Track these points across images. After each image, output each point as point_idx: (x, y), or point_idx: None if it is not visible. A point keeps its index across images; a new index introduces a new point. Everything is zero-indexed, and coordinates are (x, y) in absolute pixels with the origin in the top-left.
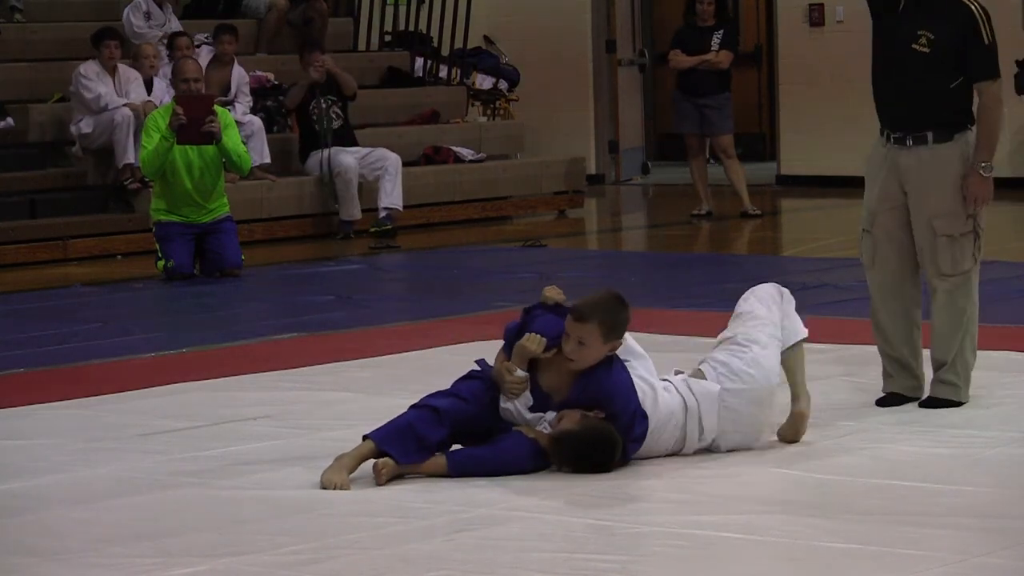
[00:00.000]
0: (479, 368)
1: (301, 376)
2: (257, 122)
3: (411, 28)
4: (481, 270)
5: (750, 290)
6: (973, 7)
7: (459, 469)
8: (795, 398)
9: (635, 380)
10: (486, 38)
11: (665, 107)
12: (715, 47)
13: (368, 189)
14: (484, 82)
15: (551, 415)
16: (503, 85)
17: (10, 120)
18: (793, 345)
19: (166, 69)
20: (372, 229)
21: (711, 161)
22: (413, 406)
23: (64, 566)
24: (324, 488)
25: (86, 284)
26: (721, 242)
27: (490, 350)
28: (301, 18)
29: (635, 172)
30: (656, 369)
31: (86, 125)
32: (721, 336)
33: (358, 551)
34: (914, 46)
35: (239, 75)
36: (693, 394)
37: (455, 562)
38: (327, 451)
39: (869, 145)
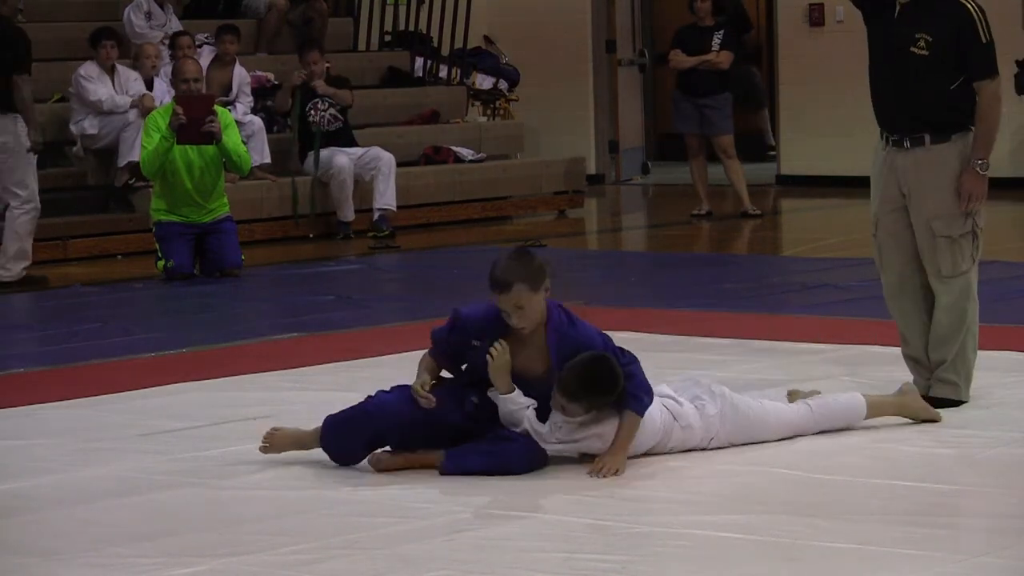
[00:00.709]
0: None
1: (301, 376)
2: (257, 122)
3: (411, 28)
4: (481, 270)
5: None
6: (970, 6)
7: (454, 466)
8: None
9: None
10: (486, 38)
11: (665, 107)
12: (715, 47)
13: (365, 189)
14: (484, 82)
15: (558, 417)
16: (503, 85)
17: None
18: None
19: (167, 69)
20: (370, 234)
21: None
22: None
23: (64, 566)
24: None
25: (86, 284)
26: (721, 242)
27: None
28: (301, 18)
29: (635, 172)
30: (655, 371)
31: (91, 125)
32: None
33: (358, 551)
34: (912, 49)
35: (240, 75)
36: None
37: (455, 562)
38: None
39: (869, 145)
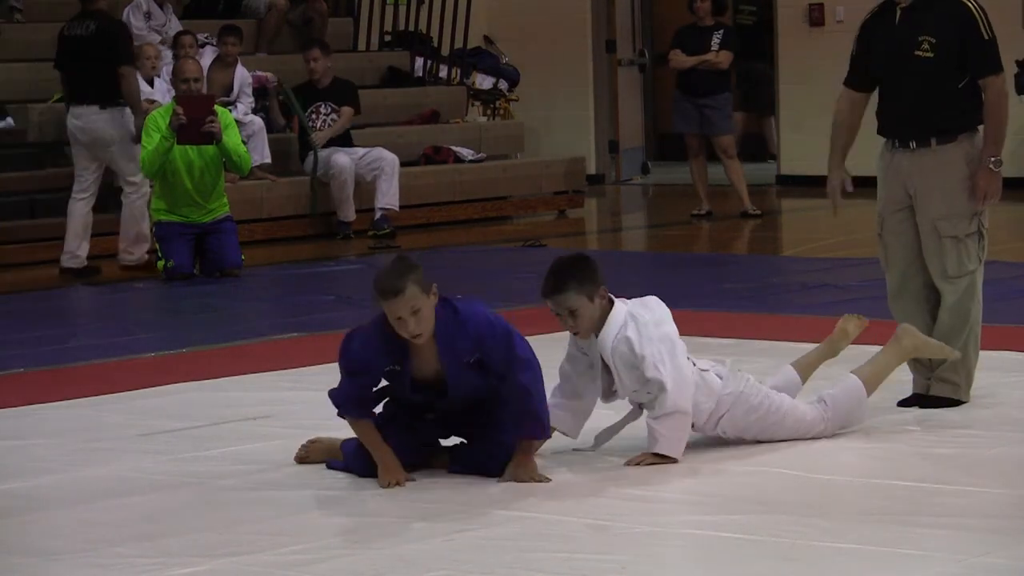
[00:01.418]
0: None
1: (301, 376)
2: (258, 122)
3: (411, 28)
4: (481, 270)
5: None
6: (971, 4)
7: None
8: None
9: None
10: (486, 38)
11: (665, 107)
12: (715, 47)
13: (366, 189)
14: (484, 82)
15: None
16: (503, 85)
17: (10, 120)
18: None
19: (168, 69)
20: (370, 233)
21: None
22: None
23: (64, 566)
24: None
25: (85, 284)
26: (721, 242)
27: None
28: (301, 18)
29: (635, 172)
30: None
31: None
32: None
33: (358, 551)
34: (917, 52)
35: (242, 76)
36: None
37: (455, 562)
38: None
39: (869, 145)
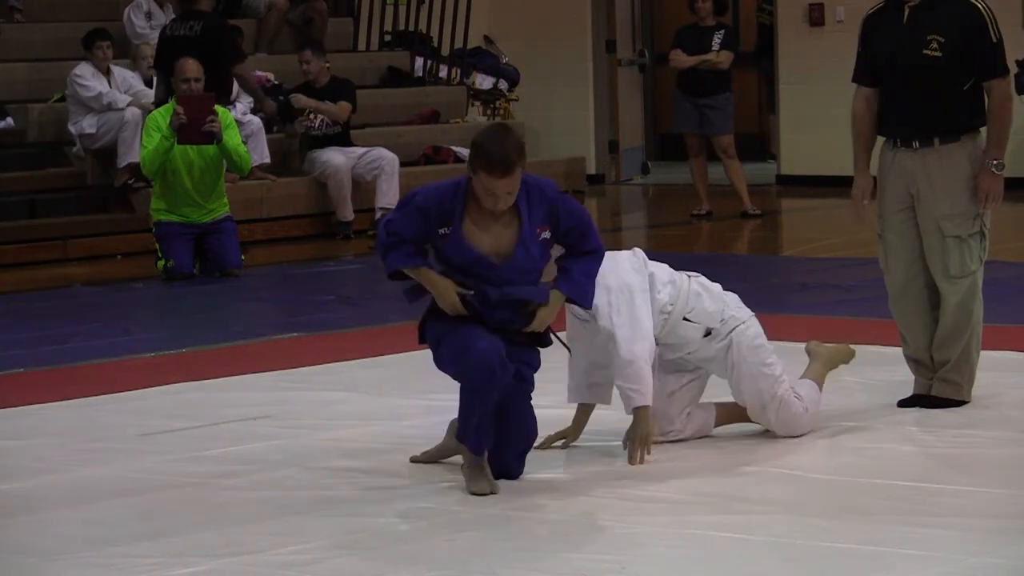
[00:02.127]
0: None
1: (301, 376)
2: (257, 122)
3: (411, 28)
4: None
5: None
6: (980, 6)
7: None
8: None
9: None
10: (486, 38)
11: (665, 107)
12: (716, 47)
13: (367, 189)
14: (484, 82)
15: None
16: (503, 85)
17: (10, 120)
18: None
19: None
20: (370, 232)
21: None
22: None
23: (64, 566)
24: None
25: (86, 284)
26: (721, 242)
27: None
28: (301, 18)
29: (635, 172)
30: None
31: (89, 125)
32: None
33: (358, 551)
34: (925, 52)
35: None
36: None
37: (455, 562)
38: (326, 451)
39: None
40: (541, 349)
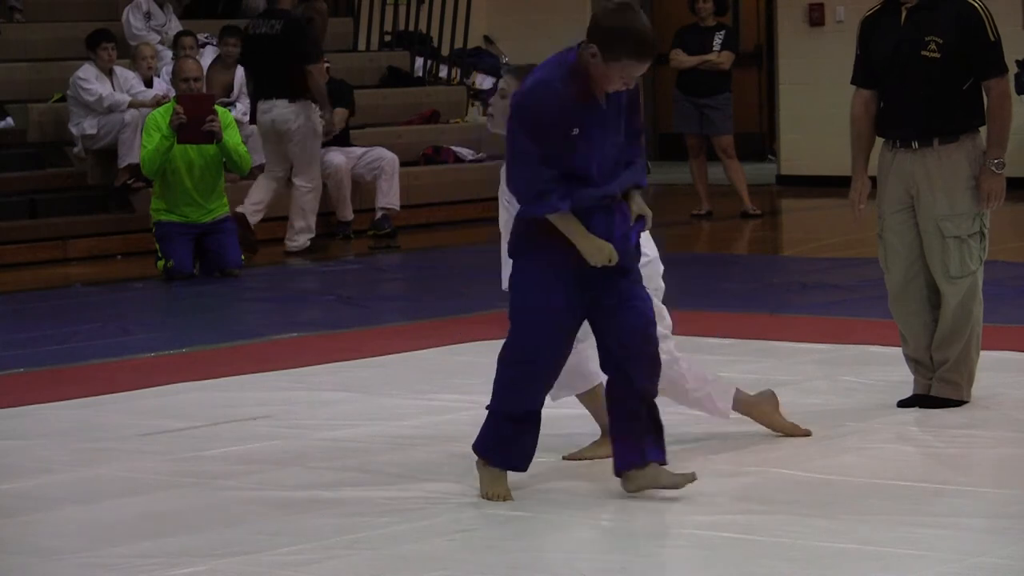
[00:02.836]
0: None
1: (301, 376)
2: None
3: (411, 28)
4: (481, 270)
5: None
6: (977, 5)
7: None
8: None
9: None
10: (486, 38)
11: (665, 107)
12: (716, 47)
13: (367, 189)
14: (484, 82)
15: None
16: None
17: (10, 120)
18: None
19: (167, 69)
20: (370, 232)
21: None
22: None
23: (64, 566)
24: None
25: (86, 284)
26: (721, 242)
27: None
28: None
29: None
30: None
31: (90, 125)
32: None
33: (358, 551)
34: (923, 53)
35: (241, 76)
36: None
37: (455, 562)
38: (326, 451)
39: None
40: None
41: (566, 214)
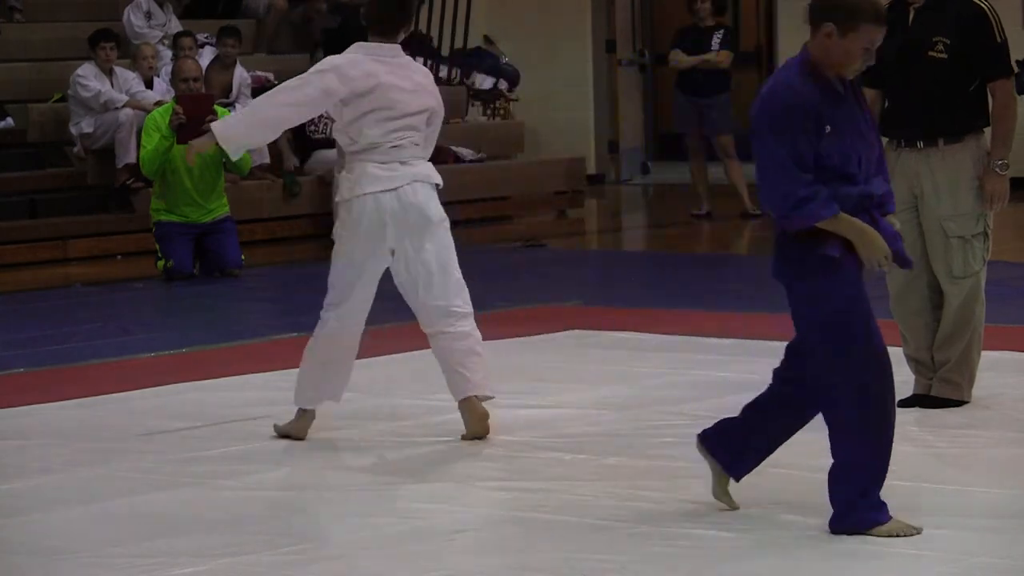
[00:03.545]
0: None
1: None
2: None
3: (411, 28)
4: (481, 270)
5: None
6: (985, 6)
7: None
8: None
9: None
10: (486, 38)
11: (665, 107)
12: (715, 47)
13: None
14: (484, 82)
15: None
16: (503, 85)
17: (10, 120)
18: None
19: (167, 69)
20: None
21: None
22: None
23: (64, 566)
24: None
25: (86, 284)
26: (721, 242)
27: (489, 350)
28: (301, 18)
29: (635, 172)
30: (655, 371)
31: (87, 125)
32: None
33: (358, 551)
34: (931, 53)
35: (241, 77)
36: None
37: (455, 563)
38: (326, 451)
39: None
40: None
41: (837, 215)
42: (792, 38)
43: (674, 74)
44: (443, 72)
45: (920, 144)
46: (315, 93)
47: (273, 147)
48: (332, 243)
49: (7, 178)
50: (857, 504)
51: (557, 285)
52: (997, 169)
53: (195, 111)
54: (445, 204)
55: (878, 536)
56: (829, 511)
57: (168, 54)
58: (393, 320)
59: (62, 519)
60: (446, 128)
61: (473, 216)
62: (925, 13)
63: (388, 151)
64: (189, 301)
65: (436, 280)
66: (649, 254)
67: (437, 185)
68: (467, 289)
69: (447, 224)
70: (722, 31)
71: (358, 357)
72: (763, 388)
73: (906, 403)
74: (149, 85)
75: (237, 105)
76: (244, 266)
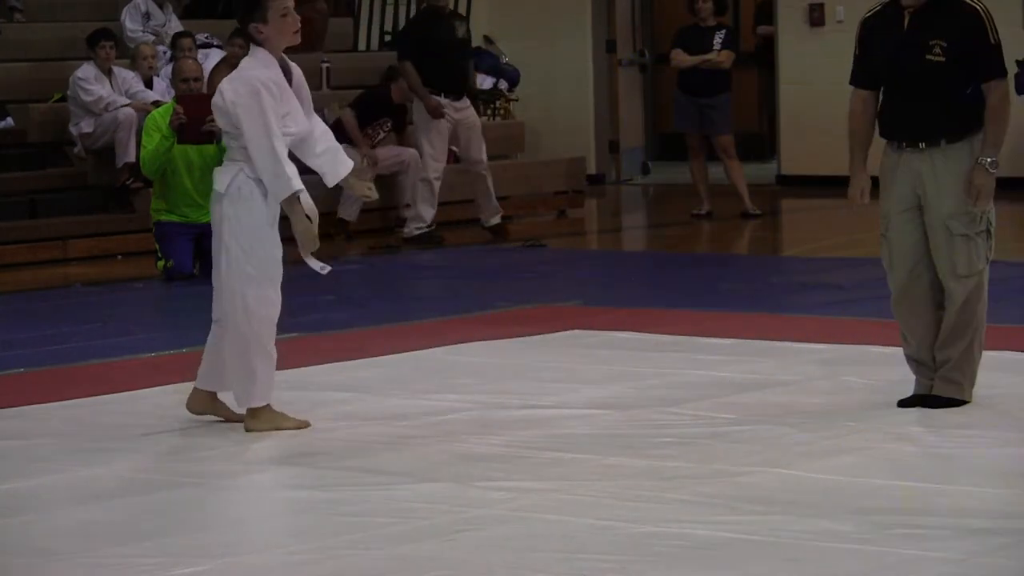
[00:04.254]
0: None
1: (300, 376)
2: None
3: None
4: (481, 270)
5: None
6: (979, 7)
7: None
8: None
9: None
10: (486, 38)
11: (665, 107)
12: (717, 47)
13: (387, 187)
14: (484, 82)
15: None
16: (503, 85)
17: (10, 120)
18: None
19: (167, 69)
20: (395, 230)
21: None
22: None
23: (64, 566)
24: None
25: (86, 284)
26: (721, 242)
27: (490, 350)
28: (301, 18)
29: (635, 172)
30: (655, 371)
31: (87, 125)
32: None
33: (358, 551)
34: (928, 57)
35: None
36: None
37: (455, 563)
38: (326, 451)
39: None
40: None
41: None
42: (792, 38)
43: (674, 74)
44: None
45: (923, 145)
46: None
47: None
48: (331, 243)
49: (7, 178)
50: None
51: (557, 285)
52: (987, 166)
53: (195, 111)
54: (446, 204)
55: None
56: (829, 512)
57: (168, 55)
58: (393, 320)
59: (61, 519)
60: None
61: (473, 216)
62: (920, 16)
63: None
64: (189, 301)
65: None
66: (649, 254)
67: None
68: None
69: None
70: (724, 31)
71: (358, 357)
72: (763, 388)
73: (906, 403)
74: (149, 85)
75: None
76: None
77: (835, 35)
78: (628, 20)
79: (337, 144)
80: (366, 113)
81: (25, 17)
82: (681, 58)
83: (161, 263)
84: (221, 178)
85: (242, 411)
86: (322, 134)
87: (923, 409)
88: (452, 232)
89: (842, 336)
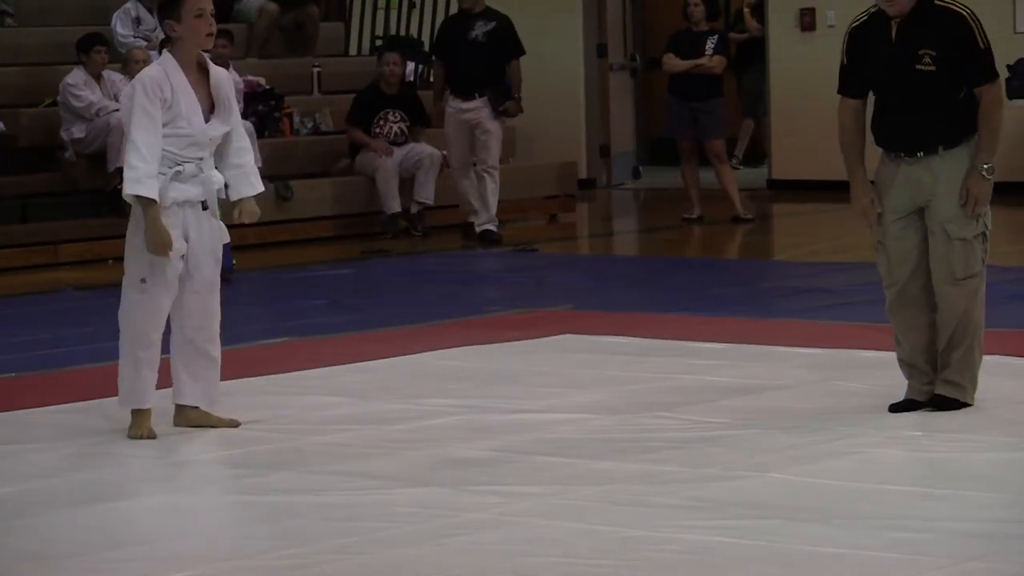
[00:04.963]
0: None
1: (293, 381)
2: (249, 126)
3: (402, 32)
4: (473, 274)
5: None
6: (965, 13)
7: None
8: None
9: None
10: None
11: (656, 112)
12: (709, 52)
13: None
14: None
15: None
16: None
17: (1, 124)
18: None
19: None
20: (403, 226)
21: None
22: None
23: (59, 570)
24: None
25: (78, 288)
26: (712, 246)
27: (481, 355)
28: (292, 23)
29: (626, 176)
30: (647, 375)
31: (79, 130)
32: None
33: (350, 556)
34: (918, 66)
35: (233, 79)
36: None
37: (446, 567)
38: (318, 455)
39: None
40: None
41: None
42: (783, 42)
43: (665, 78)
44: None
45: (921, 155)
46: None
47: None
48: (323, 247)
49: None
50: None
51: (549, 289)
52: (984, 172)
53: None
54: (438, 209)
55: None
56: (822, 516)
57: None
58: (385, 324)
59: (57, 523)
60: (437, 133)
61: (465, 220)
62: (908, 26)
63: None
64: None
65: None
66: (641, 258)
67: None
68: None
69: None
70: (716, 36)
71: (350, 361)
72: (755, 392)
73: (898, 407)
74: None
75: None
76: (236, 270)
77: (826, 39)
78: (619, 25)
79: (253, 166)
80: (364, 113)
81: (16, 22)
82: (673, 63)
83: None
84: None
85: (229, 417)
86: (237, 150)
87: (916, 413)
88: (447, 236)
89: (834, 340)
